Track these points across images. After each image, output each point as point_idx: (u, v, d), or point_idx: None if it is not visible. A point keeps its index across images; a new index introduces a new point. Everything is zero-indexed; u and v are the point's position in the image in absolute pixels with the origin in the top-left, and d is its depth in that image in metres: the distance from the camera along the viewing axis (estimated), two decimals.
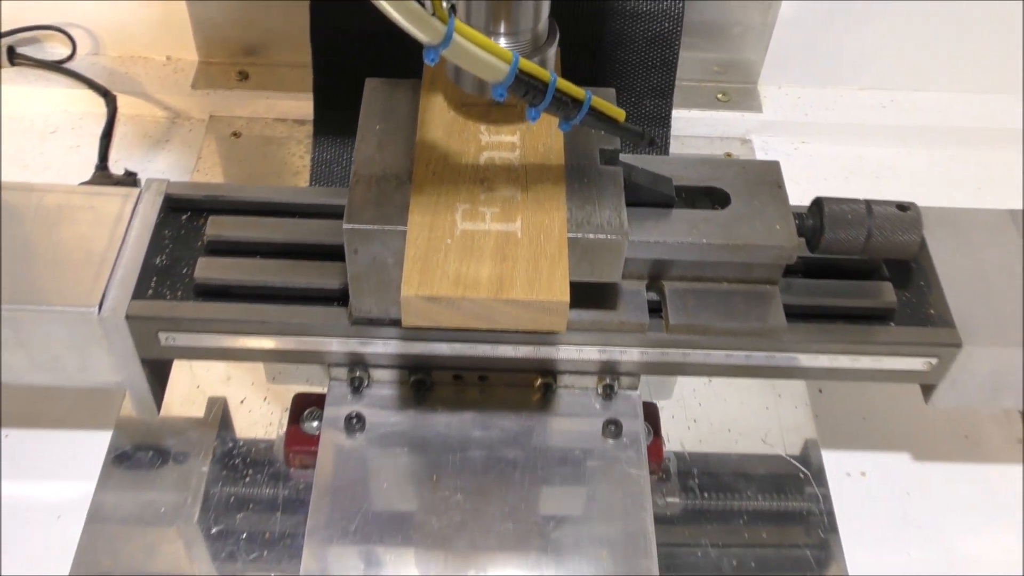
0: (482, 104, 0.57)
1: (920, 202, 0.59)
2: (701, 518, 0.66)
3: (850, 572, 0.64)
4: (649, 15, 0.78)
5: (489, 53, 0.45)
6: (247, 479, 0.66)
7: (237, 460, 0.67)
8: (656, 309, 0.59)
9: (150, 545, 0.62)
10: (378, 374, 0.62)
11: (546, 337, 0.58)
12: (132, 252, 0.60)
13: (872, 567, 0.65)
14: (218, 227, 0.62)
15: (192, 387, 0.71)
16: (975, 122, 0.94)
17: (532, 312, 0.50)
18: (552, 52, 0.55)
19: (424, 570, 0.56)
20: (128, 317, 0.57)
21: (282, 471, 0.67)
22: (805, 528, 0.66)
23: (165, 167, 0.88)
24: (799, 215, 0.58)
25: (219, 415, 0.70)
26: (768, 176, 0.59)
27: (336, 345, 0.59)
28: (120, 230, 0.62)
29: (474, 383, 0.63)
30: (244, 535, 0.63)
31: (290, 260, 0.61)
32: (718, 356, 0.59)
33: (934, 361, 0.59)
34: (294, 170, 0.88)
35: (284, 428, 0.68)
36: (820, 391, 0.75)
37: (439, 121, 0.57)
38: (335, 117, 0.78)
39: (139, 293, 0.59)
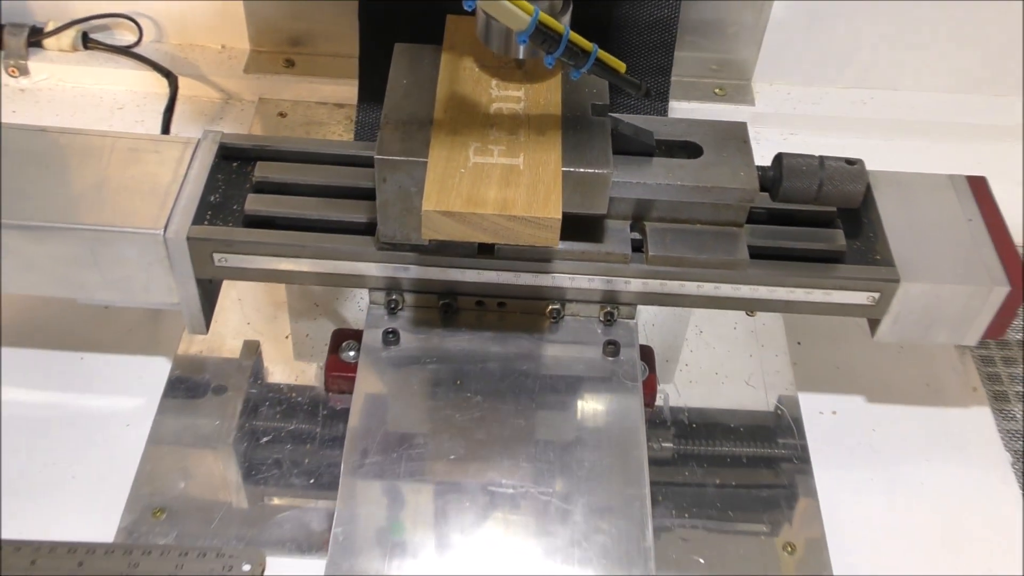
0: (494, 65, 0.68)
1: None
2: (691, 435, 0.74)
3: (818, 488, 0.72)
4: (650, 2, 0.89)
5: (515, 5, 0.55)
6: (286, 406, 0.75)
7: (279, 389, 0.76)
8: (639, 248, 0.69)
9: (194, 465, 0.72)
10: (411, 299, 0.72)
11: (544, 265, 0.68)
12: (191, 188, 0.69)
13: (839, 485, 0.73)
14: (265, 170, 0.71)
15: (243, 323, 0.81)
16: (945, 118, 1.03)
17: (530, 228, 0.60)
18: (566, 19, 0.63)
19: (449, 454, 0.65)
20: (188, 239, 0.66)
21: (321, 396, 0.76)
22: (782, 454, 0.74)
23: None
24: (762, 168, 0.68)
25: (257, 350, 0.79)
26: (736, 133, 0.68)
27: (364, 268, 0.69)
28: (181, 170, 0.71)
29: (493, 309, 0.72)
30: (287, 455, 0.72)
31: (327, 199, 0.70)
32: (691, 287, 0.68)
33: (876, 296, 0.68)
34: None
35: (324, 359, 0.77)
36: (799, 343, 0.83)
37: (457, 77, 0.67)
38: (376, 85, 0.89)
39: (197, 221, 0.67)
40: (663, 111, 0.96)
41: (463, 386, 0.68)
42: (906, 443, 0.77)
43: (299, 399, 0.76)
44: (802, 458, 0.74)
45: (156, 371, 0.77)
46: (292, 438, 0.73)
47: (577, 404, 0.68)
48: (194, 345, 0.79)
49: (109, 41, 1.04)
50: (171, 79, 1.01)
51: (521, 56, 0.65)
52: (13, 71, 1.01)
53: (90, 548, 0.66)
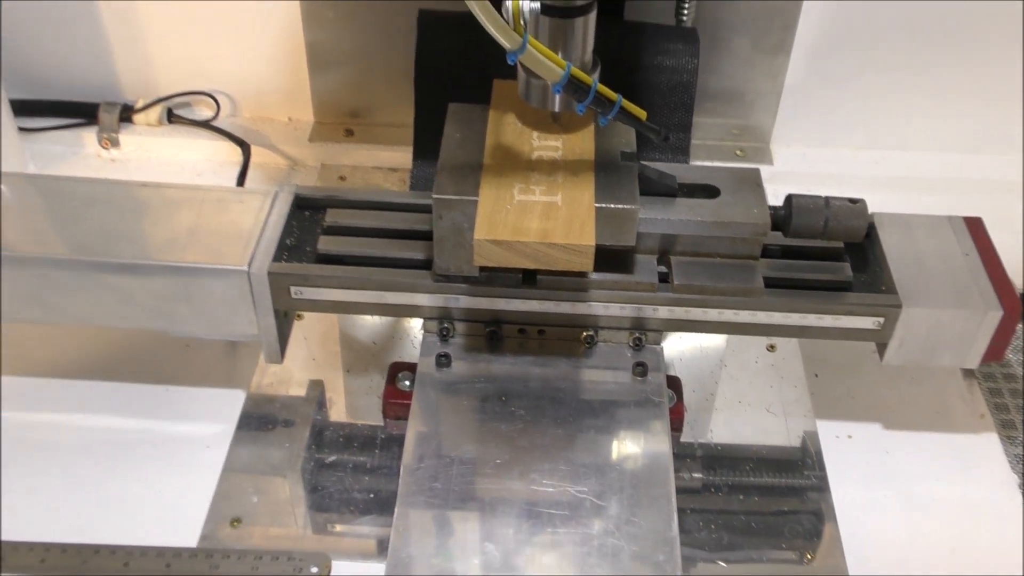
0: (534, 120, 0.77)
1: None
2: (716, 462, 0.81)
3: (835, 504, 0.78)
4: (671, 69, 0.99)
5: (550, 60, 0.65)
6: (348, 431, 0.83)
7: (341, 419, 0.84)
8: (665, 279, 0.77)
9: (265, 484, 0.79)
10: (461, 327, 0.80)
11: (581, 295, 0.76)
12: (271, 232, 0.78)
13: (853, 500, 0.79)
14: (335, 216, 0.81)
15: (308, 359, 0.90)
16: (950, 174, 1.11)
17: (567, 254, 0.68)
18: (595, 75, 0.71)
19: (496, 459, 0.73)
20: (269, 273, 0.75)
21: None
22: (800, 473, 0.80)
23: None
24: (775, 208, 0.76)
25: (321, 384, 0.88)
26: (750, 177, 0.77)
27: (420, 299, 0.77)
28: (262, 217, 0.80)
29: (534, 336, 0.80)
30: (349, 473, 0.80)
31: (388, 239, 0.79)
32: (713, 314, 0.76)
33: (881, 320, 0.75)
34: None
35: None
36: (816, 375, 0.89)
37: (502, 131, 0.77)
38: (428, 144, 0.97)
39: (276, 259, 0.76)
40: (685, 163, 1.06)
41: (507, 402, 0.76)
42: (917, 463, 0.83)
43: (359, 426, 0.84)
44: (819, 469, 0.80)
45: (232, 401, 0.86)
46: (354, 460, 0.81)
47: (609, 418, 0.75)
48: (266, 377, 0.88)
49: (190, 116, 1.15)
50: (244, 148, 1.11)
51: (557, 108, 0.75)
52: (106, 143, 1.13)
53: (176, 552, 0.74)
